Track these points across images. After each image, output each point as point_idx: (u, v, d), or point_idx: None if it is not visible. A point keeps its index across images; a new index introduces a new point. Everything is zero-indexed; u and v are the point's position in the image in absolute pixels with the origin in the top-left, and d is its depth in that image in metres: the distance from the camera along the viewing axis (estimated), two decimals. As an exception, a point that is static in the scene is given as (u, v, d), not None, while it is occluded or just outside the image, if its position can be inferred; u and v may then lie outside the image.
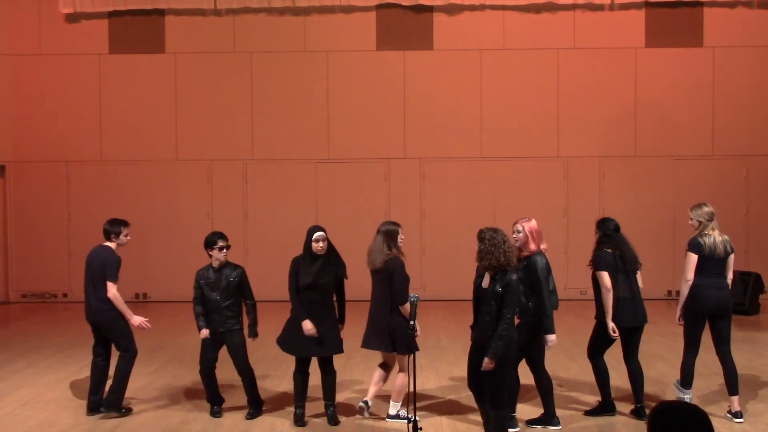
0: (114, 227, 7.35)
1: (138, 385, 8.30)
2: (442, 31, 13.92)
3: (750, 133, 13.81)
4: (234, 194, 13.96)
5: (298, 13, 13.96)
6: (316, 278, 6.90)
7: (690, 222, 7.13)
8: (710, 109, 13.83)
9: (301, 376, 7.05)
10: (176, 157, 14.02)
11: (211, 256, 7.17)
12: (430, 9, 13.89)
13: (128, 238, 7.39)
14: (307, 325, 6.82)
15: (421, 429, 6.01)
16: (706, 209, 7.06)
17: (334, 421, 7.00)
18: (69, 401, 7.75)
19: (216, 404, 7.34)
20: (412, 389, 6.03)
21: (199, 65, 13.97)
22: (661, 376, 8.54)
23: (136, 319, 7.26)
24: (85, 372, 8.92)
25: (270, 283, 13.35)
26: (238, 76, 13.95)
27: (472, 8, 13.87)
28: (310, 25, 13.97)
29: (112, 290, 7.14)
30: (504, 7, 13.85)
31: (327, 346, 6.97)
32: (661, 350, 9.81)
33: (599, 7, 13.85)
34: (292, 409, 7.16)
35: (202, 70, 13.96)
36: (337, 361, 7.45)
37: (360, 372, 8.79)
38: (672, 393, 7.53)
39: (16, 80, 14.07)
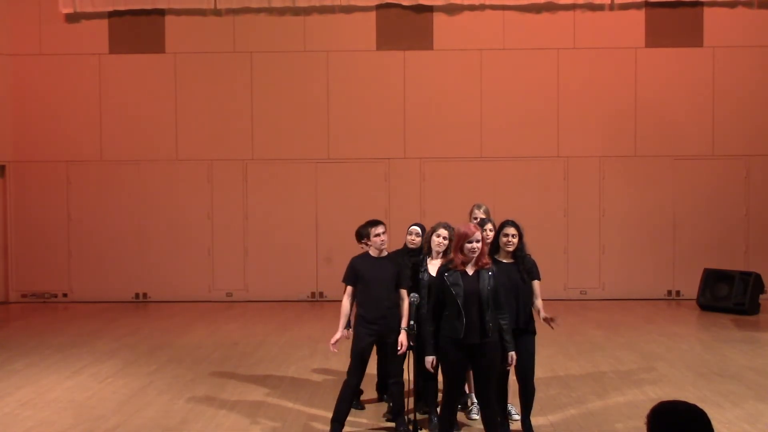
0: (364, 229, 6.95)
1: (138, 384, 8.30)
2: (442, 31, 13.91)
3: (750, 133, 13.80)
4: (234, 194, 13.95)
5: (298, 13, 13.95)
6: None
7: (475, 219, 7.39)
8: (710, 109, 13.82)
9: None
10: (176, 157, 14.01)
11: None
12: (430, 9, 13.88)
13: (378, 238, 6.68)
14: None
15: (421, 429, 6.02)
16: (485, 207, 7.64)
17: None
18: (69, 401, 7.73)
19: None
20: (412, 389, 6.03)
21: (199, 65, 13.96)
22: (662, 376, 8.53)
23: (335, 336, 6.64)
24: (84, 372, 8.92)
25: (270, 283, 13.38)
26: (238, 76, 13.95)
27: (472, 8, 13.86)
28: (310, 25, 13.97)
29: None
30: (504, 7, 13.83)
31: None
32: (662, 350, 9.80)
33: (599, 7, 13.84)
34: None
35: (202, 70, 13.95)
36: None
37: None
38: (672, 393, 7.51)
39: (16, 80, 14.06)
